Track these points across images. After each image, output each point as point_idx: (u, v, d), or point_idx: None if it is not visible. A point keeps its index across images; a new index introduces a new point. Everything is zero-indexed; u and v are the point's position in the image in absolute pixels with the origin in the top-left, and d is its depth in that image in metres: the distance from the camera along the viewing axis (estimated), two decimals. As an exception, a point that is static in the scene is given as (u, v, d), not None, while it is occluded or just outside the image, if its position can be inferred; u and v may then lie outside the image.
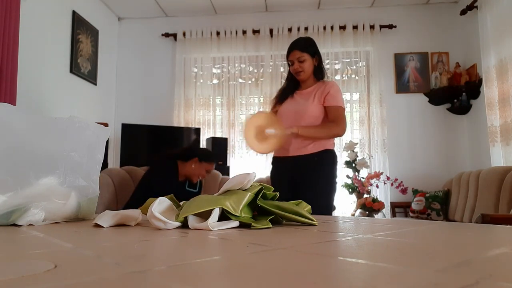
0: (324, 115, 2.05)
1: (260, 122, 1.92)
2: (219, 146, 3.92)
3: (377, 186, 3.71)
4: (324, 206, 1.95)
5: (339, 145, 4.14)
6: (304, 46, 2.06)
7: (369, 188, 3.65)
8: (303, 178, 1.99)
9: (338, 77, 4.33)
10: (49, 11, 3.37)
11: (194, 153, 2.59)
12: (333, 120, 2.01)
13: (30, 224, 0.64)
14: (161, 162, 2.62)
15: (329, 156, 2.05)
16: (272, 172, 2.19)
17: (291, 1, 4.20)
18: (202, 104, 4.40)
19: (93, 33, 4.06)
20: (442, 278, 0.25)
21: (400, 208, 4.03)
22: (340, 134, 2.02)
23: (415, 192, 3.81)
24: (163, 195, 2.22)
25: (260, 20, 4.37)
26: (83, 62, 3.86)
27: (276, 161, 2.16)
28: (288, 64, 2.11)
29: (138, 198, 2.47)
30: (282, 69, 4.33)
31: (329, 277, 0.26)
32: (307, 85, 2.10)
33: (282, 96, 2.13)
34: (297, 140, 2.00)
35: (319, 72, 2.11)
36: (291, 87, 2.14)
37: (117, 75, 4.58)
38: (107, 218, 0.62)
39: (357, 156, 3.76)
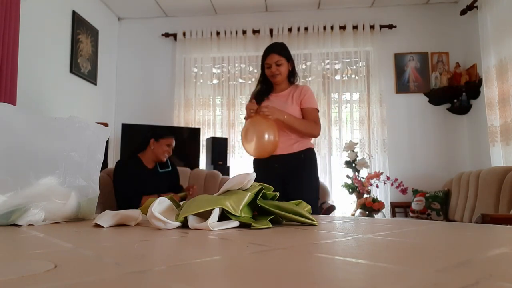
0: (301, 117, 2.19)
1: (262, 127, 2.01)
2: (219, 146, 3.92)
3: (377, 186, 3.72)
4: (314, 201, 2.10)
5: (339, 146, 4.14)
6: (281, 50, 2.15)
7: (369, 188, 3.65)
8: (292, 176, 2.08)
9: (338, 77, 4.33)
10: (49, 11, 3.37)
11: (148, 137, 2.67)
12: (312, 120, 2.14)
13: (30, 224, 0.64)
14: (120, 162, 2.73)
15: (313, 154, 2.17)
16: (257, 171, 2.23)
17: (291, 1, 4.20)
18: (202, 104, 4.40)
19: (93, 33, 4.06)
20: (442, 278, 0.25)
21: (400, 208, 4.03)
22: (317, 134, 2.14)
23: (415, 192, 3.81)
24: (131, 191, 2.22)
25: (260, 20, 4.37)
26: (83, 62, 3.86)
27: (260, 160, 2.18)
28: (263, 67, 2.19)
29: (118, 200, 2.57)
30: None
31: (329, 277, 0.26)
32: (282, 88, 2.21)
33: (259, 98, 2.19)
34: (282, 139, 2.08)
35: (292, 76, 2.23)
36: (266, 89, 2.23)
37: (117, 75, 4.58)
38: (107, 218, 0.62)
39: (357, 156, 3.76)
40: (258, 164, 2.21)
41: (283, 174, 2.09)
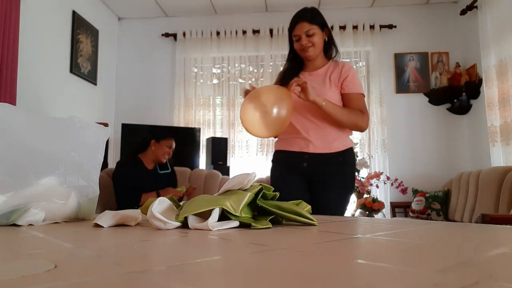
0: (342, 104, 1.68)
1: (267, 98, 1.49)
2: (219, 146, 3.92)
3: (377, 186, 3.71)
4: (343, 210, 1.68)
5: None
6: (313, 17, 1.68)
7: (369, 188, 3.65)
8: (323, 183, 1.64)
9: (338, 77, 4.32)
10: (49, 11, 3.37)
11: (149, 138, 2.69)
12: (358, 109, 1.64)
13: (30, 224, 0.64)
14: (120, 162, 2.76)
15: (353, 156, 1.72)
16: (277, 169, 1.75)
17: (291, 1, 4.20)
18: (202, 104, 4.40)
19: (93, 33, 4.06)
20: (442, 278, 0.25)
21: (400, 208, 4.03)
22: (365, 127, 1.65)
23: (415, 192, 3.81)
24: (130, 190, 2.22)
25: (260, 20, 4.37)
26: (83, 62, 3.86)
27: (285, 156, 1.71)
28: (291, 41, 1.72)
29: (118, 200, 2.59)
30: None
31: (329, 277, 0.26)
32: (316, 65, 1.72)
33: (286, 80, 1.62)
34: (317, 133, 1.63)
35: (329, 48, 1.73)
36: (296, 68, 1.73)
37: (117, 75, 4.58)
38: (107, 218, 0.62)
39: (357, 156, 3.77)
40: (280, 157, 1.74)
41: (310, 177, 1.66)
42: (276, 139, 1.80)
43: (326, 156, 1.63)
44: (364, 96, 1.71)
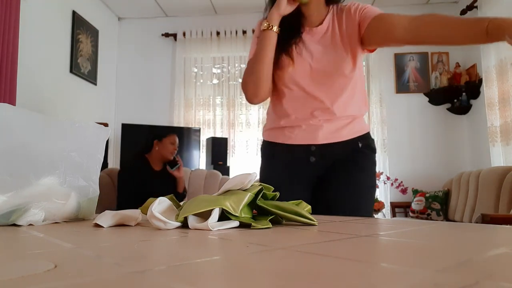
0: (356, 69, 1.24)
1: None
2: (219, 146, 3.92)
3: (377, 186, 3.72)
4: (367, 210, 1.25)
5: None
6: None
7: (369, 188, 3.64)
8: (342, 178, 1.23)
9: (338, 77, 4.33)
10: (49, 11, 3.37)
11: (151, 139, 2.68)
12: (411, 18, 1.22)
13: (30, 224, 0.64)
14: (127, 166, 2.75)
15: (373, 142, 1.33)
16: (272, 171, 1.31)
17: (291, 1, 4.20)
18: (202, 104, 4.40)
19: (93, 33, 4.06)
20: (442, 278, 0.25)
21: (400, 208, 4.03)
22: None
23: (415, 192, 3.81)
24: (136, 190, 2.19)
25: (260, 20, 4.37)
26: (83, 62, 3.86)
27: (283, 151, 1.28)
28: None
29: (120, 201, 2.57)
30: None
31: (329, 277, 0.26)
32: (318, 17, 1.25)
33: (285, 44, 1.21)
34: (325, 115, 1.22)
35: None
36: (296, 25, 1.24)
37: (117, 75, 4.58)
38: (107, 218, 0.62)
39: (357, 156, 3.76)
40: (275, 152, 1.30)
41: (322, 174, 1.25)
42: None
43: (341, 145, 1.24)
44: None
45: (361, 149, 1.26)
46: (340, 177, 1.23)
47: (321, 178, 1.25)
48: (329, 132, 1.23)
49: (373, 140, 1.34)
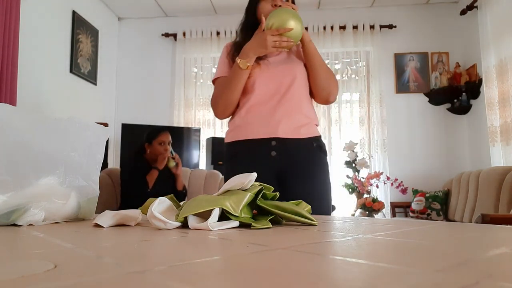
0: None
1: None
2: (219, 146, 3.91)
3: (377, 186, 3.72)
4: (328, 206, 1.39)
5: (339, 146, 4.13)
6: None
7: (369, 188, 3.65)
8: (300, 174, 1.34)
9: (338, 77, 4.33)
10: (49, 11, 3.37)
11: (142, 143, 2.63)
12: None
13: (30, 224, 0.64)
14: (130, 160, 2.75)
15: (324, 145, 1.45)
16: (235, 170, 1.19)
17: (291, 1, 4.20)
18: (202, 104, 4.40)
19: (93, 33, 4.06)
20: (442, 278, 0.25)
21: (400, 208, 4.03)
22: (336, 93, 1.45)
23: (415, 192, 3.81)
24: (136, 187, 2.16)
25: (260, 20, 4.37)
26: (83, 62, 3.86)
27: (246, 148, 1.37)
28: (253, 8, 1.51)
29: (125, 200, 2.55)
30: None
31: (329, 277, 0.26)
32: None
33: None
34: (289, 113, 1.35)
35: None
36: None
37: (117, 75, 4.58)
38: (107, 218, 0.62)
39: (357, 156, 3.77)
40: (238, 151, 1.39)
41: (282, 169, 1.34)
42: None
43: (299, 142, 1.34)
44: None
45: (315, 148, 1.40)
46: (294, 175, 1.35)
47: (280, 173, 1.35)
48: (288, 128, 1.36)
49: (323, 143, 1.48)
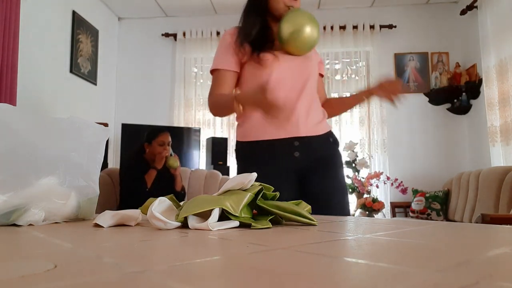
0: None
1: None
2: (219, 146, 3.92)
3: (377, 186, 3.71)
4: (348, 201, 1.40)
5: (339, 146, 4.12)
6: None
7: (369, 188, 3.65)
8: (321, 171, 1.31)
9: (338, 77, 4.33)
10: (49, 11, 3.37)
11: (142, 143, 2.63)
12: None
13: (30, 224, 0.64)
14: (130, 159, 2.71)
15: (336, 138, 1.44)
16: (253, 163, 1.28)
17: (291, 1, 4.20)
18: (202, 104, 4.40)
19: (93, 33, 4.06)
20: (442, 278, 0.25)
21: (400, 208, 4.03)
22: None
23: (415, 192, 3.81)
24: (135, 187, 2.15)
25: (260, 20, 4.37)
26: (83, 62, 3.86)
27: (265, 148, 1.28)
28: None
29: (124, 199, 2.55)
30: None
31: (329, 277, 0.26)
32: None
33: (263, 44, 1.29)
34: (308, 109, 1.31)
35: None
36: (265, 35, 1.32)
37: (117, 75, 4.58)
38: (107, 218, 0.62)
39: (357, 156, 3.77)
40: (258, 148, 1.29)
41: (304, 168, 1.29)
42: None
43: (319, 139, 1.32)
44: None
45: (332, 143, 1.41)
46: (316, 173, 1.31)
47: (303, 173, 1.31)
48: (309, 126, 1.34)
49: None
